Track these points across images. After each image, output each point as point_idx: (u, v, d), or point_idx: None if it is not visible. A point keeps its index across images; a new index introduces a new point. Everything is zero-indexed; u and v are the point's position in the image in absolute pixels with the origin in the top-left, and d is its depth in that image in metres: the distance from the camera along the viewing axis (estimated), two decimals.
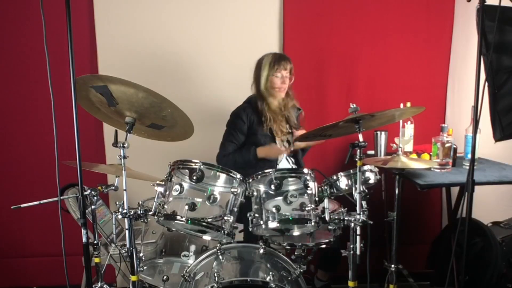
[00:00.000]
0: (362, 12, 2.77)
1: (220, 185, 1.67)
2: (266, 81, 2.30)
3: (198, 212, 1.61)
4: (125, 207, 1.56)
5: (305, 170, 1.69)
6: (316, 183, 1.69)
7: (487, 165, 2.42)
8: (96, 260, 1.88)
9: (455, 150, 2.32)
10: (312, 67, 2.79)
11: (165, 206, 1.61)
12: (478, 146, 1.83)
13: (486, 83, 1.83)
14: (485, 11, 1.69)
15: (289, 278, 1.74)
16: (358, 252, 1.62)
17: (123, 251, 1.70)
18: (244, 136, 2.33)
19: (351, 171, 1.74)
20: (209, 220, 1.62)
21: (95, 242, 1.86)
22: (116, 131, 1.60)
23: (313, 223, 1.63)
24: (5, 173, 2.80)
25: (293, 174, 1.70)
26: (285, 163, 2.38)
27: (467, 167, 1.88)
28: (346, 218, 1.63)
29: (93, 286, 1.81)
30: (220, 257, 1.81)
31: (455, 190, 2.53)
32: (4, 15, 2.64)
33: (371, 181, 1.76)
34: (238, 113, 2.34)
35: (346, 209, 1.68)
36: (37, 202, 1.71)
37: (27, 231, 2.86)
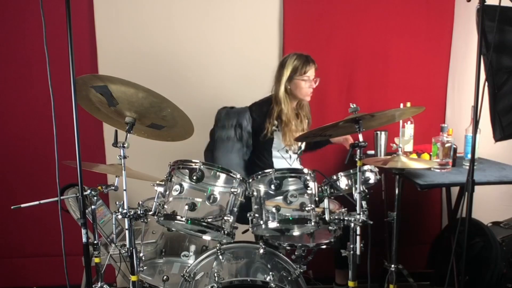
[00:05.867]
0: (362, 12, 2.77)
1: (220, 185, 1.67)
2: (289, 85, 2.23)
3: (198, 212, 1.61)
4: (125, 207, 1.56)
5: (305, 170, 1.69)
6: (316, 183, 1.69)
7: (487, 165, 2.41)
8: (96, 260, 1.88)
9: (455, 150, 2.32)
10: None
11: (165, 206, 1.62)
12: (478, 146, 1.83)
13: (486, 83, 1.83)
14: (485, 11, 1.69)
15: (289, 278, 1.74)
16: (358, 252, 1.62)
17: (123, 251, 1.70)
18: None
19: (351, 171, 1.74)
20: (209, 220, 1.62)
21: (95, 242, 1.86)
22: (116, 131, 1.60)
23: (313, 223, 1.63)
24: (5, 173, 2.80)
25: (293, 174, 1.70)
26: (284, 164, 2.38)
27: (467, 167, 1.88)
28: (346, 218, 1.63)
29: (93, 286, 1.81)
30: (220, 257, 1.81)
31: (455, 190, 2.52)
32: (4, 15, 2.64)
33: (371, 181, 1.75)
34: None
35: (346, 209, 1.68)
36: (37, 202, 1.71)
37: (27, 231, 2.86)
